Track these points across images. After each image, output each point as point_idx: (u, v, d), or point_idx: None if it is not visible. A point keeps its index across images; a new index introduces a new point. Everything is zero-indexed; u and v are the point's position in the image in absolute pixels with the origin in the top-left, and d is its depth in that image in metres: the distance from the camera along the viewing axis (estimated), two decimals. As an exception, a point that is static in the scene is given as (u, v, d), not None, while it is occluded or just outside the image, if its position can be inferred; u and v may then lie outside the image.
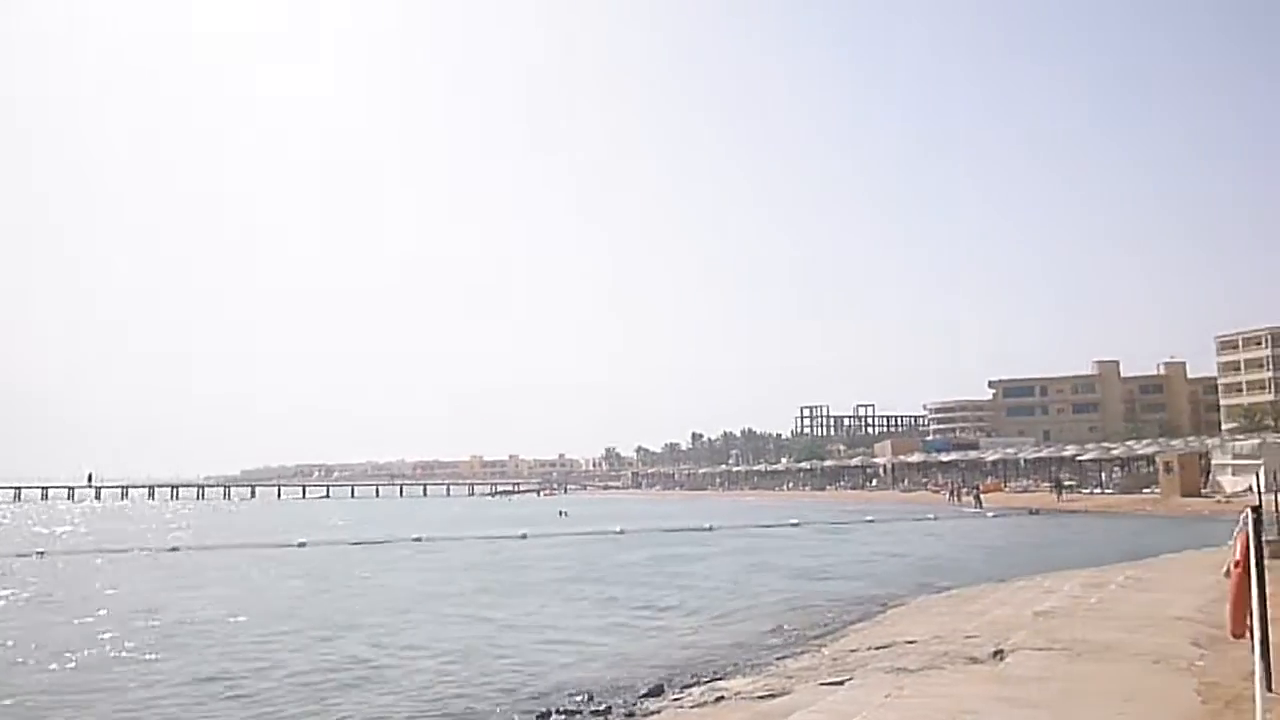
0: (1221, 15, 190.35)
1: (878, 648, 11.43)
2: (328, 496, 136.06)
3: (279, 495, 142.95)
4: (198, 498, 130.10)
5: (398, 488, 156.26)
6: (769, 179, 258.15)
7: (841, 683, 9.05)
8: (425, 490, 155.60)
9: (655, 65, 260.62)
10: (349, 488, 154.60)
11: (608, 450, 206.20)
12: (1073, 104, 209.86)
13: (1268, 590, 11.62)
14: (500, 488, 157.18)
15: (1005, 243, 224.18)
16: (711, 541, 37.40)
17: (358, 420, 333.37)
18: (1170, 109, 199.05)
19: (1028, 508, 57.42)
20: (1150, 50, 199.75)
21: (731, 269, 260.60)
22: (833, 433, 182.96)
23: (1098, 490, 70.42)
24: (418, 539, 39.46)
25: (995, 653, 9.08)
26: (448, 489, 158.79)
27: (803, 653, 12.70)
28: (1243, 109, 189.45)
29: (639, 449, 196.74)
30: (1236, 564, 7.01)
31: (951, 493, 70.01)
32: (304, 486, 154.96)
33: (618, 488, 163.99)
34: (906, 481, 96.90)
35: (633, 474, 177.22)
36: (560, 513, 64.44)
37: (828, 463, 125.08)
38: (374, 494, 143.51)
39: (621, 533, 42.31)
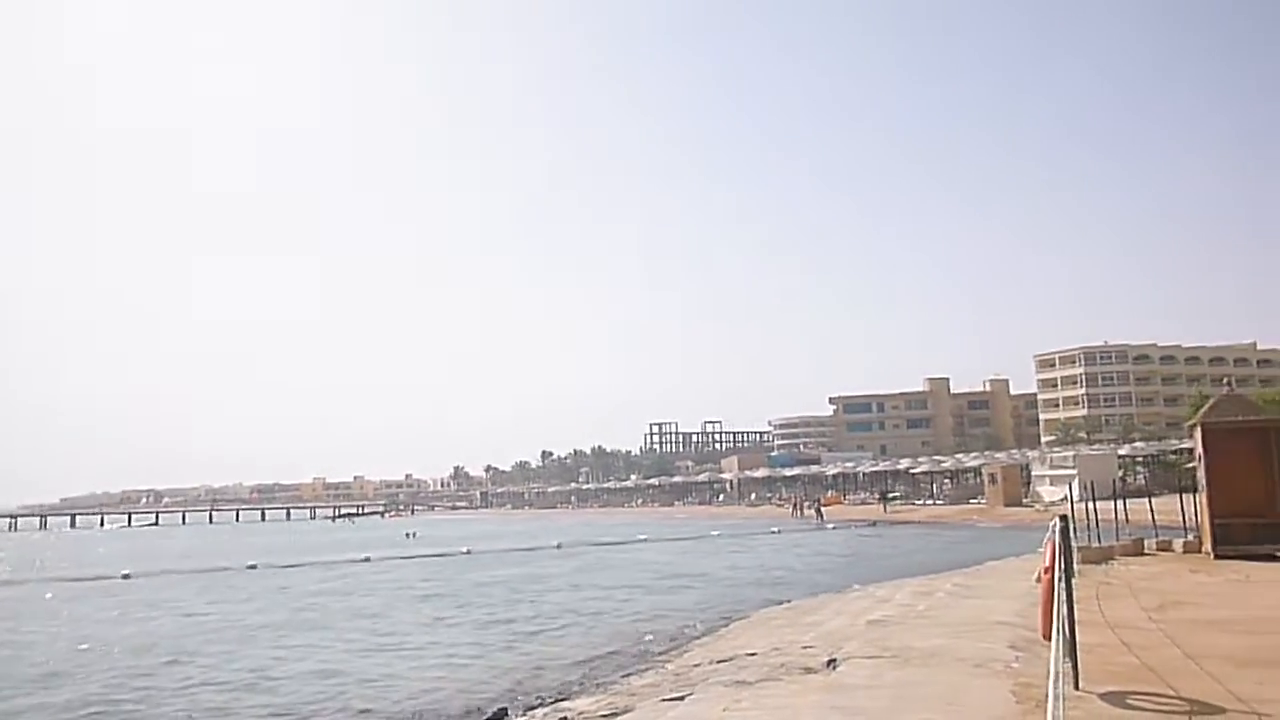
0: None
1: (720, 661, 11.61)
2: (157, 524, 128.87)
3: (102, 524, 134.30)
4: (10, 529, 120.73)
5: (234, 513, 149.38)
6: (619, 198, 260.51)
7: (682, 698, 9.15)
8: (264, 515, 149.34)
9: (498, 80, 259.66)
10: (180, 514, 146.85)
11: (456, 470, 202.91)
12: (912, 131, 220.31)
13: (1075, 594, 12.38)
14: (344, 510, 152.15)
15: (845, 268, 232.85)
16: (560, 560, 37.31)
17: (191, 444, 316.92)
18: (991, 142, 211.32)
19: (866, 519, 59.64)
20: (968, 92, 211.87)
21: (581, 286, 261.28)
22: (682, 449, 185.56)
23: (930, 501, 73.77)
24: (253, 566, 37.87)
25: (829, 662, 9.35)
26: (288, 513, 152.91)
27: (647, 669, 12.78)
28: (1057, 137, 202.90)
29: (488, 468, 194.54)
30: (1046, 570, 7.44)
31: (795, 506, 71.97)
32: (130, 514, 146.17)
33: (466, 508, 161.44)
34: (753, 496, 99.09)
35: (482, 493, 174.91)
36: (407, 534, 63.05)
37: (676, 479, 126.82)
38: (208, 520, 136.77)
39: (469, 553, 41.75)
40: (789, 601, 19.29)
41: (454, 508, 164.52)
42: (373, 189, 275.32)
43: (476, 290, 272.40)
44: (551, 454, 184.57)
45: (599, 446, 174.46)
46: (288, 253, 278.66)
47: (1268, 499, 17.43)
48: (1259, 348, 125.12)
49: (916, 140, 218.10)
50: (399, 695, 12.73)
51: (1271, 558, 16.92)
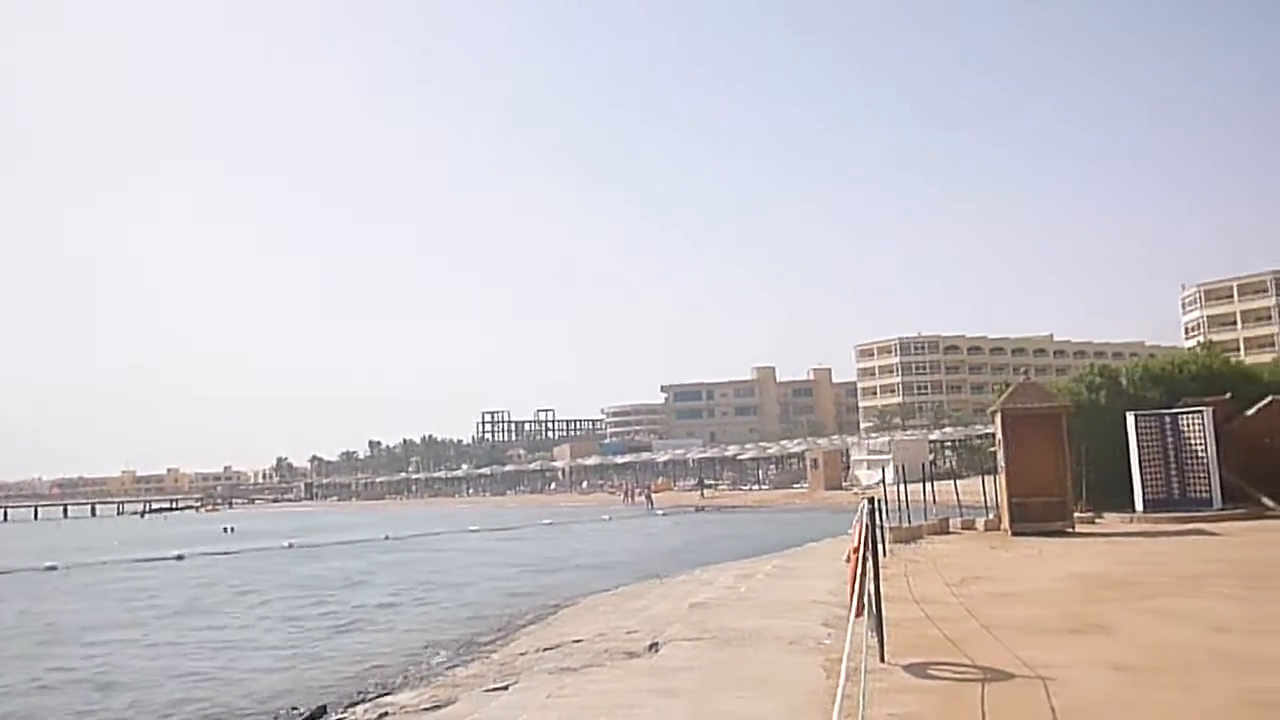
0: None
1: (546, 649, 11.60)
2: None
3: None
4: None
5: (32, 509, 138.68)
6: (453, 190, 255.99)
7: (506, 687, 9.09)
8: (66, 511, 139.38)
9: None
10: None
11: (279, 461, 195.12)
12: (743, 125, 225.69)
13: (886, 572, 12.95)
14: (155, 505, 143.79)
15: (678, 262, 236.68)
16: (387, 552, 36.48)
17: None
18: (820, 138, 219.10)
19: (694, 505, 60.99)
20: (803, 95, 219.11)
21: (415, 274, 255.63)
22: (514, 438, 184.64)
23: (756, 486, 76.09)
24: (52, 568, 35.34)
25: (651, 646, 9.48)
26: (93, 508, 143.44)
27: (472, 660, 12.64)
28: (880, 134, 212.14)
29: (313, 459, 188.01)
30: (854, 550, 7.73)
31: (626, 493, 72.88)
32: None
33: (290, 500, 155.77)
34: (585, 484, 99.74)
35: (306, 485, 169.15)
36: (225, 529, 60.31)
37: (508, 468, 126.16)
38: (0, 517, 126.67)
39: (290, 547, 40.29)
40: (618, 587, 19.47)
41: (276, 500, 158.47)
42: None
43: (303, 274, 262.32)
44: (380, 444, 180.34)
45: (430, 436, 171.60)
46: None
47: (1058, 479, 18.78)
48: (1055, 339, 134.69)
49: (750, 136, 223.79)
50: (211, 694, 12.17)
51: (1061, 533, 18.27)
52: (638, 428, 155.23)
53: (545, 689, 8.40)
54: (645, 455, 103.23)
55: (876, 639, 7.92)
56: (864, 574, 7.69)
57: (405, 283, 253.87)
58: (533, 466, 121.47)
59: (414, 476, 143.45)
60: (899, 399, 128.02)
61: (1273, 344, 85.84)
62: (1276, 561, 13.59)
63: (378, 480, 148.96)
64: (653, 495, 65.51)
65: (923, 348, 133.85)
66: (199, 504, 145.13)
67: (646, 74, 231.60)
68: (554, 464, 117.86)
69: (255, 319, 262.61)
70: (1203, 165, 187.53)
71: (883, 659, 7.77)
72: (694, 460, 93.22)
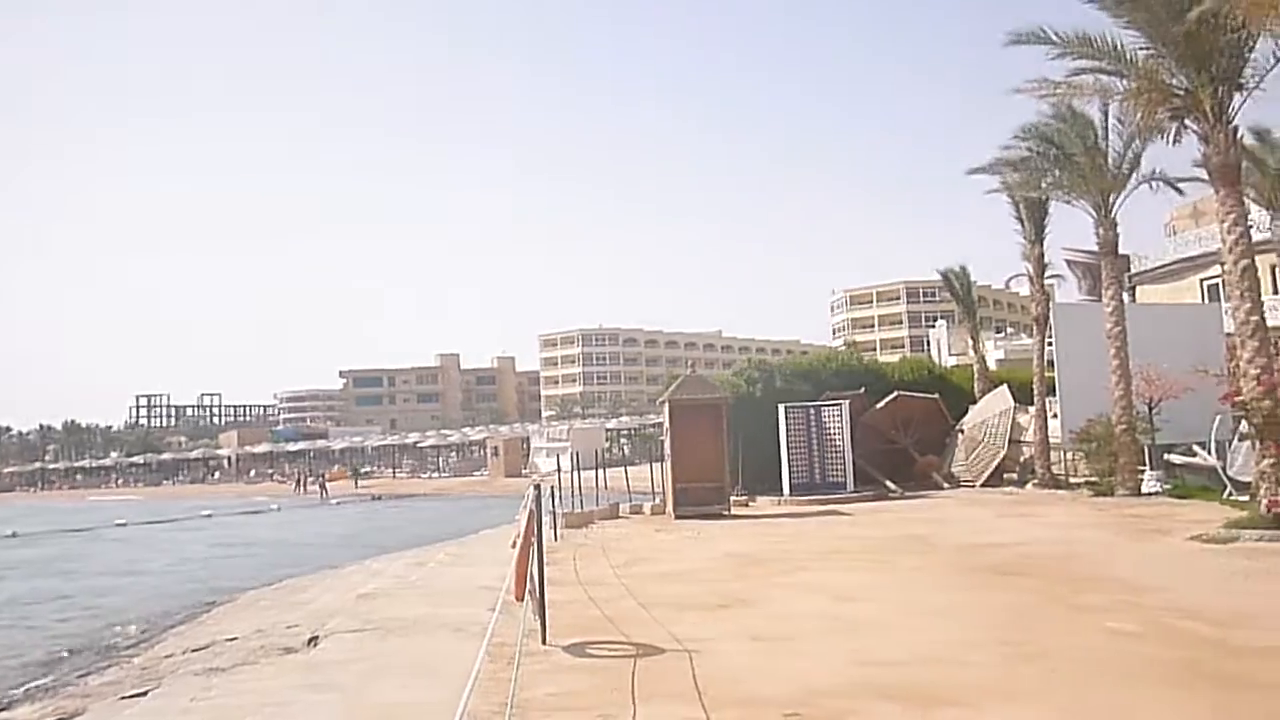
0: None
1: (195, 650, 10.85)
2: None
3: None
4: None
5: None
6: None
7: (145, 693, 8.40)
8: None
9: None
10: None
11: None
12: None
13: (556, 556, 13.26)
14: None
15: (356, 243, 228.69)
16: (16, 549, 32.50)
17: None
18: (509, 135, 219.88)
19: (371, 494, 59.34)
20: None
21: (68, 250, 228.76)
22: (174, 423, 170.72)
23: (437, 474, 75.32)
24: None
25: (310, 640, 9.15)
26: None
27: (109, 666, 11.55)
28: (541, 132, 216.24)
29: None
30: (521, 535, 7.88)
31: (298, 483, 69.55)
32: None
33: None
34: (253, 473, 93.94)
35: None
36: None
37: (166, 456, 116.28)
38: None
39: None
40: (283, 580, 18.56)
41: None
42: None
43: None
44: (9, 429, 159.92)
45: (71, 421, 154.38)
46: None
47: (718, 465, 20.14)
48: (723, 335, 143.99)
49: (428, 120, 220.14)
50: None
51: (720, 516, 19.59)
52: (314, 414, 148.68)
53: (189, 692, 7.87)
54: (320, 443, 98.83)
55: (539, 622, 8.13)
56: (530, 559, 7.87)
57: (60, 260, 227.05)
58: (194, 454, 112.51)
59: (52, 466, 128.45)
60: (580, 388, 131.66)
61: (903, 345, 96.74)
62: (893, 537, 15.33)
63: (7, 470, 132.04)
64: (327, 484, 62.95)
65: (603, 339, 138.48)
66: None
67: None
68: (218, 451, 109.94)
69: None
70: (860, 184, 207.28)
71: (545, 641, 7.97)
72: (372, 448, 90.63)
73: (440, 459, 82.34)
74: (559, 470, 23.55)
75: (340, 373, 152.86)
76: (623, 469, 29.44)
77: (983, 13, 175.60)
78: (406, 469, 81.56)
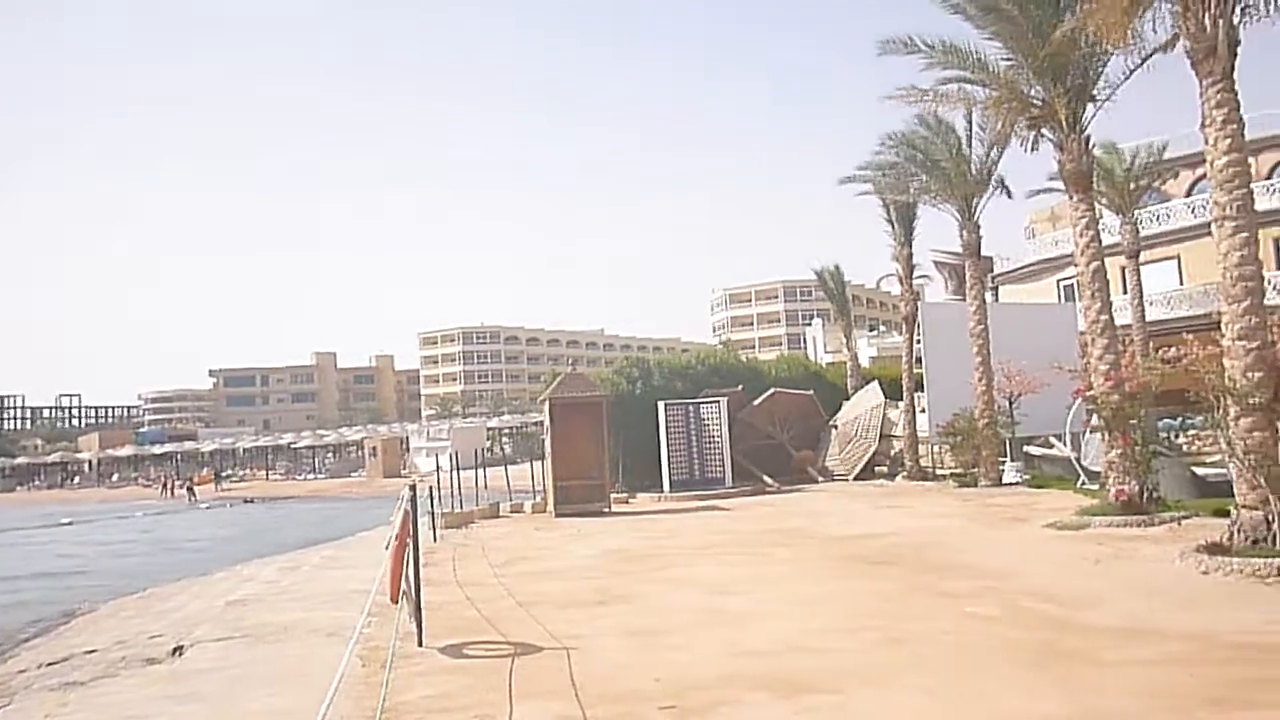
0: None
1: (51, 664, 10.31)
2: None
3: None
4: None
5: None
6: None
7: (-6, 711, 7.98)
8: None
9: None
10: None
11: None
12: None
13: (434, 557, 13.12)
14: None
15: (229, 240, 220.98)
16: None
17: None
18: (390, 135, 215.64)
19: (243, 496, 57.45)
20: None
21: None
22: (29, 426, 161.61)
23: (312, 475, 73.39)
24: None
25: (175, 650, 8.83)
26: None
27: (-48, 685, 10.91)
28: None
29: None
30: (396, 538, 7.78)
31: (164, 486, 66.81)
32: None
33: None
34: (115, 477, 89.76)
35: None
36: None
37: (20, 460, 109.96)
38: None
39: None
40: (146, 590, 17.80)
41: None
42: None
43: None
44: None
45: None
46: None
47: (598, 463, 20.23)
48: (605, 333, 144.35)
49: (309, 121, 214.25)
50: None
51: (600, 513, 19.69)
52: (182, 415, 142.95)
53: (44, 708, 7.50)
54: (189, 445, 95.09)
55: (415, 624, 8.04)
56: (405, 560, 7.78)
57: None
58: (51, 458, 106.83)
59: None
60: (460, 387, 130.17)
61: (780, 343, 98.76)
62: (769, 531, 15.68)
63: None
64: (195, 487, 60.61)
65: (485, 337, 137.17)
66: None
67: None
68: (79, 455, 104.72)
69: None
70: (741, 183, 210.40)
71: (421, 643, 7.89)
72: (244, 449, 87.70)
73: (316, 460, 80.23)
74: (439, 470, 23.26)
75: (210, 372, 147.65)
76: (504, 468, 29.24)
77: (867, 17, 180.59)
78: (281, 471, 79.18)
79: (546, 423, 21.06)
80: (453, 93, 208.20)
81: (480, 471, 23.50)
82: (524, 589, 10.77)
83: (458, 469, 22.43)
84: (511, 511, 21.44)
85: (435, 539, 16.30)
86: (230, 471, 75.37)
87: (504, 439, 72.03)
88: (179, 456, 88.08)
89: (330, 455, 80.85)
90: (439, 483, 20.18)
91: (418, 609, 8.01)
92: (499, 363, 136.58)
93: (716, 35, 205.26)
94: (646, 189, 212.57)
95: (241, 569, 17.68)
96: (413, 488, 8.06)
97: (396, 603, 7.87)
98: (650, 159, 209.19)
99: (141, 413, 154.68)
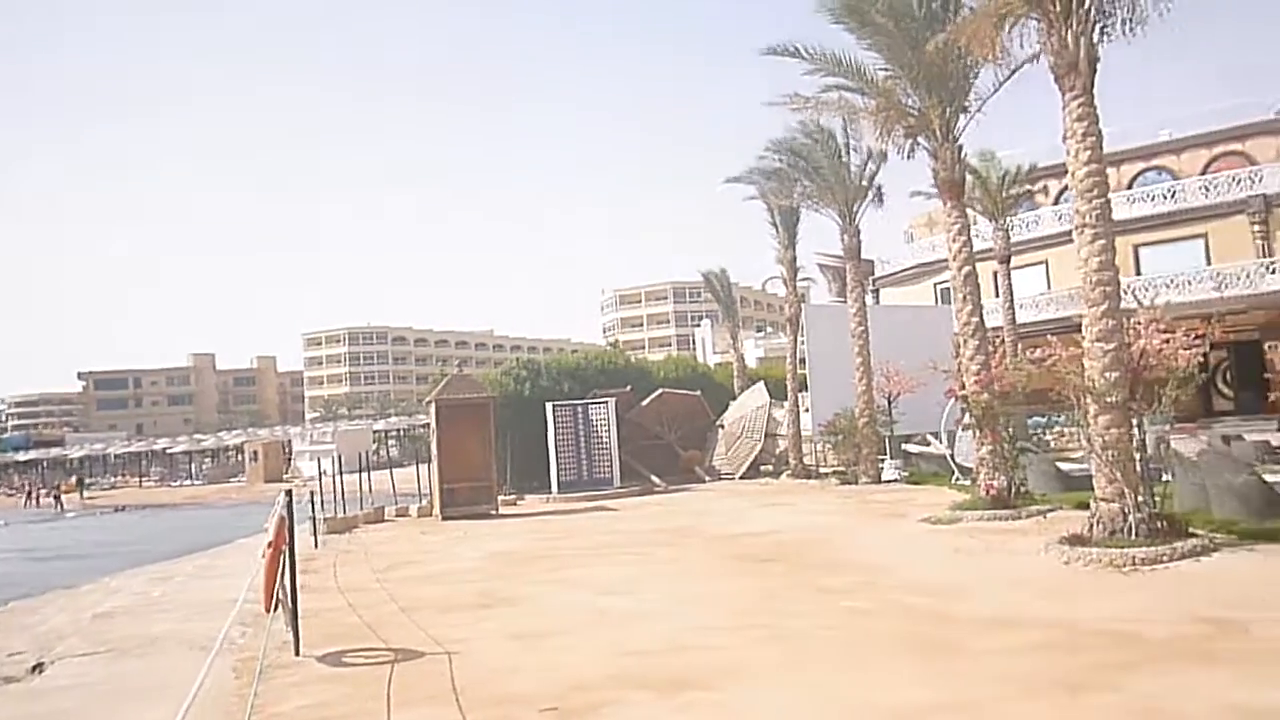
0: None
1: (-106, 686, 9.73)
2: None
3: None
4: None
5: None
6: None
7: None
8: None
9: None
10: None
11: None
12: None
13: (316, 563, 12.83)
14: None
15: (97, 234, 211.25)
16: None
17: None
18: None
19: (115, 504, 55.01)
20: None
21: None
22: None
23: (189, 481, 70.73)
24: None
25: (35, 667, 8.41)
26: None
27: None
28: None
29: None
30: (270, 545, 7.57)
31: (29, 495, 63.46)
32: None
33: None
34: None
35: None
36: None
37: None
38: None
39: None
40: (7, 604, 16.88)
41: None
42: None
43: None
44: None
45: None
46: None
47: (485, 465, 20.07)
48: (495, 334, 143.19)
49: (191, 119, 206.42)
50: None
51: (487, 515, 19.53)
52: (48, 420, 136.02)
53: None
54: (55, 451, 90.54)
55: (292, 633, 7.85)
56: (281, 568, 7.58)
57: None
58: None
59: None
60: (346, 388, 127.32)
61: (670, 344, 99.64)
62: (656, 530, 15.81)
63: None
64: (62, 496, 57.71)
65: (371, 338, 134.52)
66: None
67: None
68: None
69: None
70: (635, 185, 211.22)
71: (298, 652, 7.71)
72: (115, 455, 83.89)
73: (193, 465, 77.28)
74: (319, 475, 22.69)
75: (79, 374, 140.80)
76: (389, 471, 28.71)
77: (758, 22, 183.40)
78: (155, 477, 75.99)
79: (432, 425, 20.79)
80: (346, 91, 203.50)
81: (365, 475, 23.00)
82: (407, 594, 10.62)
83: (340, 473, 21.93)
84: (397, 515, 21.08)
85: (317, 545, 15.92)
86: (94, 480, 71.82)
87: (391, 441, 70.72)
88: (45, 464, 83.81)
89: (208, 460, 78.02)
90: (321, 487, 19.72)
91: (295, 617, 7.82)
92: (386, 363, 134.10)
93: (609, 34, 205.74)
94: (543, 190, 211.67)
95: (110, 581, 16.90)
96: (289, 493, 7.88)
97: (272, 611, 7.67)
98: (550, 160, 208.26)
99: (4, 418, 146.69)
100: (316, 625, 8.57)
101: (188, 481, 70.76)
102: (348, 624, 9.05)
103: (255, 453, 64.03)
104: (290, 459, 64.25)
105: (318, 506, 17.79)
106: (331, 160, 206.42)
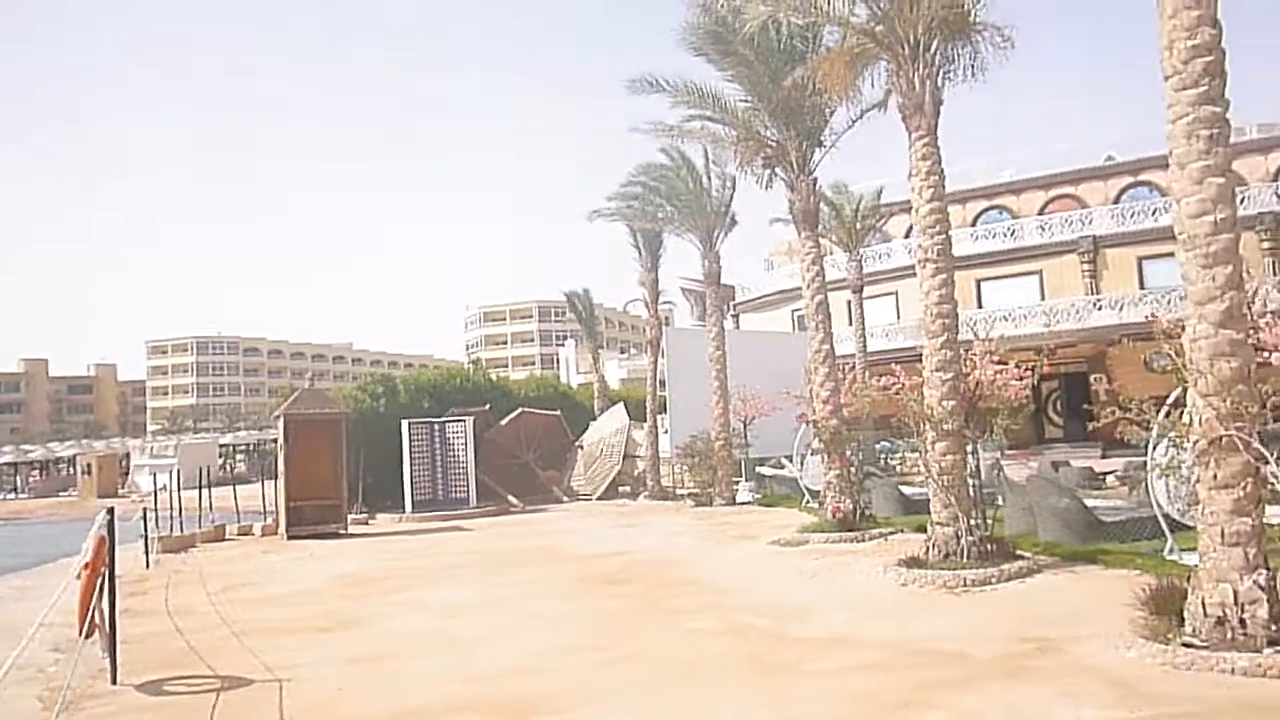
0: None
1: None
2: None
3: None
4: None
5: None
6: None
7: None
8: None
9: None
10: None
11: None
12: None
13: (143, 584, 12.17)
14: None
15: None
16: None
17: None
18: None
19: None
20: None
21: None
22: None
23: (14, 495, 66.22)
24: None
25: None
26: None
27: None
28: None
29: None
30: (87, 565, 7.12)
31: None
32: None
33: None
34: None
35: None
36: None
37: None
38: None
39: None
40: None
41: None
42: None
43: None
44: None
45: None
46: None
47: (335, 482, 19.47)
48: (355, 348, 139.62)
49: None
50: None
51: (335, 535, 18.93)
52: None
53: None
54: None
55: (109, 659, 7.40)
56: (98, 590, 7.15)
57: None
58: None
59: None
60: (193, 400, 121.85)
61: (534, 363, 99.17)
62: (509, 550, 15.64)
63: None
64: None
65: (221, 348, 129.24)
66: None
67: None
68: None
69: None
70: (504, 203, 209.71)
71: (115, 680, 7.28)
72: (-71, 467, 77.83)
73: (19, 478, 72.38)
74: (158, 490, 21.56)
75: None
76: (232, 488, 27.52)
77: (638, 42, 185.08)
78: (-27, 490, 70.83)
79: (280, 440, 20.03)
80: (214, 89, 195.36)
81: (207, 491, 21.97)
82: (242, 617, 10.17)
83: (179, 489, 20.89)
84: (239, 534, 20.20)
85: (148, 565, 15.09)
86: None
87: (239, 457, 67.88)
88: None
89: (36, 473, 73.21)
90: (159, 503, 18.74)
91: (112, 643, 7.37)
92: (237, 375, 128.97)
93: (478, 50, 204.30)
94: (412, 203, 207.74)
95: (-90, 603, 15.62)
96: (110, 510, 7.46)
97: (88, 637, 7.22)
98: (420, 175, 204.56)
99: None
100: (139, 651, 8.11)
101: (12, 495, 66.22)
102: (173, 649, 8.60)
103: (89, 465, 60.29)
104: (128, 473, 60.90)
105: (151, 524, 16.88)
106: (188, 157, 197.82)
